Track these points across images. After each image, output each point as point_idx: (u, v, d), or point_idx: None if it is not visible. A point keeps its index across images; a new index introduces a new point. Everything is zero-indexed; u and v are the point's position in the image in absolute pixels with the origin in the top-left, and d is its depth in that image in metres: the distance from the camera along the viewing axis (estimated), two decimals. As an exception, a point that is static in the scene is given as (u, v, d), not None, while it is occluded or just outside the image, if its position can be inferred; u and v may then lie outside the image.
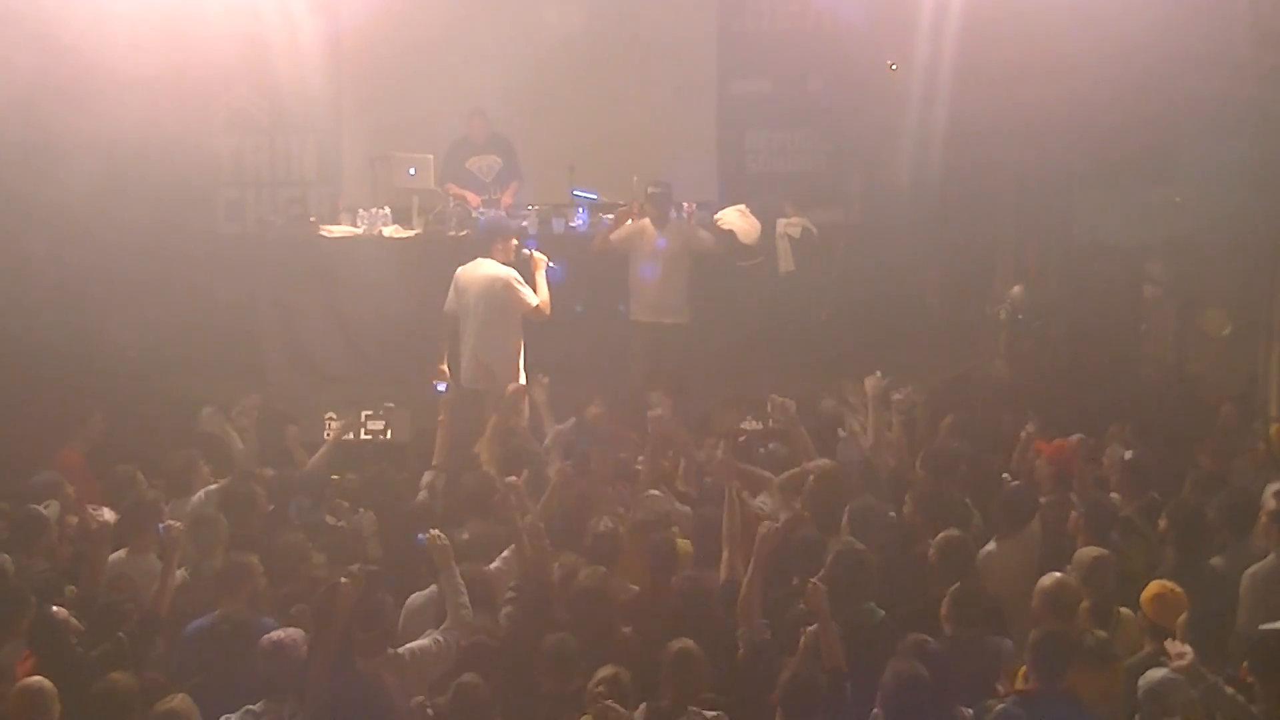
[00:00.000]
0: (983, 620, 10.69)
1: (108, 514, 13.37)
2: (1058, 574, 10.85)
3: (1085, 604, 10.61)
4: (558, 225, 19.25)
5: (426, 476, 14.05)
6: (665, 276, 18.17)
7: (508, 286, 16.40)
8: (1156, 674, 9.37)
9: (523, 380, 16.24)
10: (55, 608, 10.90)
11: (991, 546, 12.09)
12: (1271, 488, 12.87)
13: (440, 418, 14.72)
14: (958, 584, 10.86)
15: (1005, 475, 13.96)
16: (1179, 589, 10.47)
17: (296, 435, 16.17)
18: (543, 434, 15.22)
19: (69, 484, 13.89)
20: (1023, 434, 14.40)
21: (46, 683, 9.64)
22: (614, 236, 18.28)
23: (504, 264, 16.54)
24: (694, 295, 18.91)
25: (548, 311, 16.58)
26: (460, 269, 16.81)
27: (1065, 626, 10.31)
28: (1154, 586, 10.49)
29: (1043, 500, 12.74)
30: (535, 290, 16.51)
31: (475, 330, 16.60)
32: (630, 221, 18.33)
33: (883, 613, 10.91)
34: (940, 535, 11.56)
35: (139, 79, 18.75)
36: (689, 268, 18.25)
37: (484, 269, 16.54)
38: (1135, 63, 17.78)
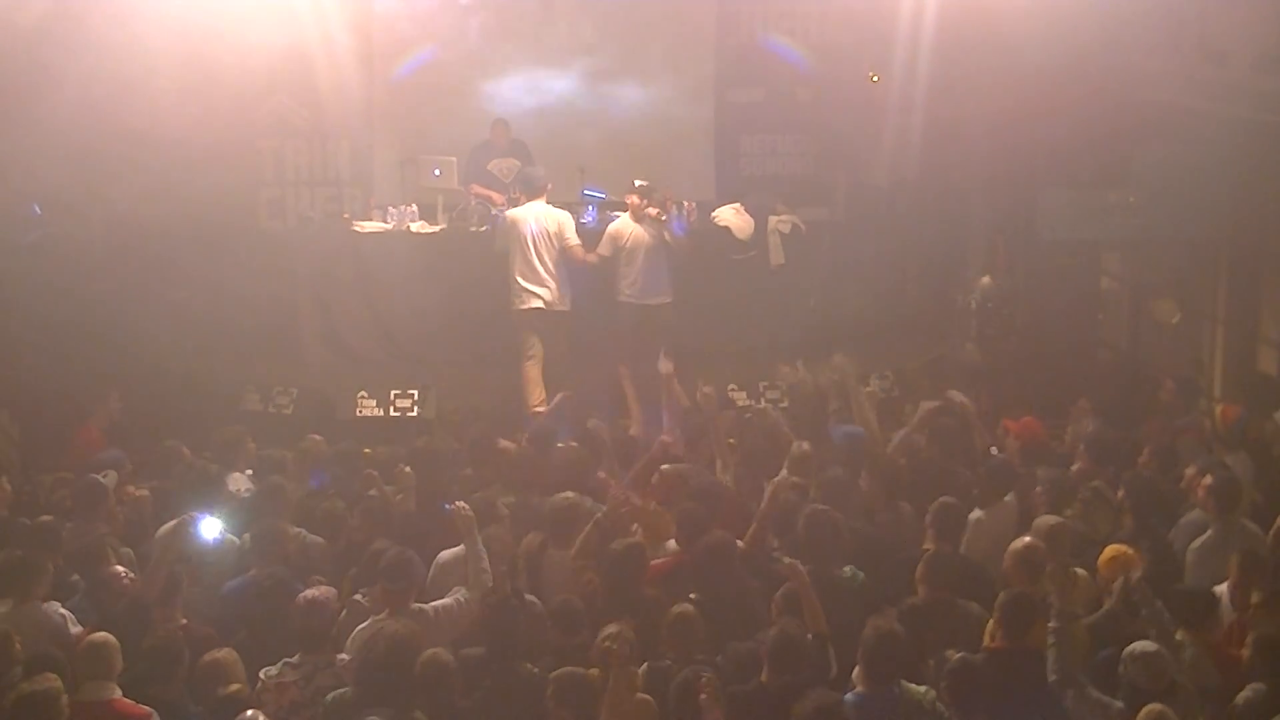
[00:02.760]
0: (955, 584, 10.62)
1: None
2: (1026, 538, 10.90)
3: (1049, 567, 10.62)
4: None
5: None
6: (648, 263, 18.21)
7: (561, 225, 17.81)
8: (1145, 646, 9.30)
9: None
10: (115, 568, 10.99)
11: (978, 514, 12.08)
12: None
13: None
14: (931, 549, 10.91)
15: (993, 449, 13.99)
16: (1132, 551, 10.51)
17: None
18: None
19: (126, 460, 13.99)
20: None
21: (110, 636, 9.64)
22: (601, 251, 18.27)
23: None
24: (690, 284, 18.95)
25: (592, 259, 17.84)
26: (512, 210, 18.15)
27: (1032, 585, 10.33)
28: (1110, 550, 10.52)
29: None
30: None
31: (526, 259, 17.72)
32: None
33: (863, 575, 10.98)
34: (937, 501, 11.59)
35: (189, 86, 18.82)
36: (666, 254, 18.21)
37: (537, 209, 17.82)
38: (1093, 75, 17.83)
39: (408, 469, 13.41)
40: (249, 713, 9.06)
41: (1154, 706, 8.67)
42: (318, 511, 12.51)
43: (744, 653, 9.79)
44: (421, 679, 9.22)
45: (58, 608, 10.61)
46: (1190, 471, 12.44)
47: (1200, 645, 9.85)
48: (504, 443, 14.26)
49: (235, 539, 12.03)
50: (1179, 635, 9.96)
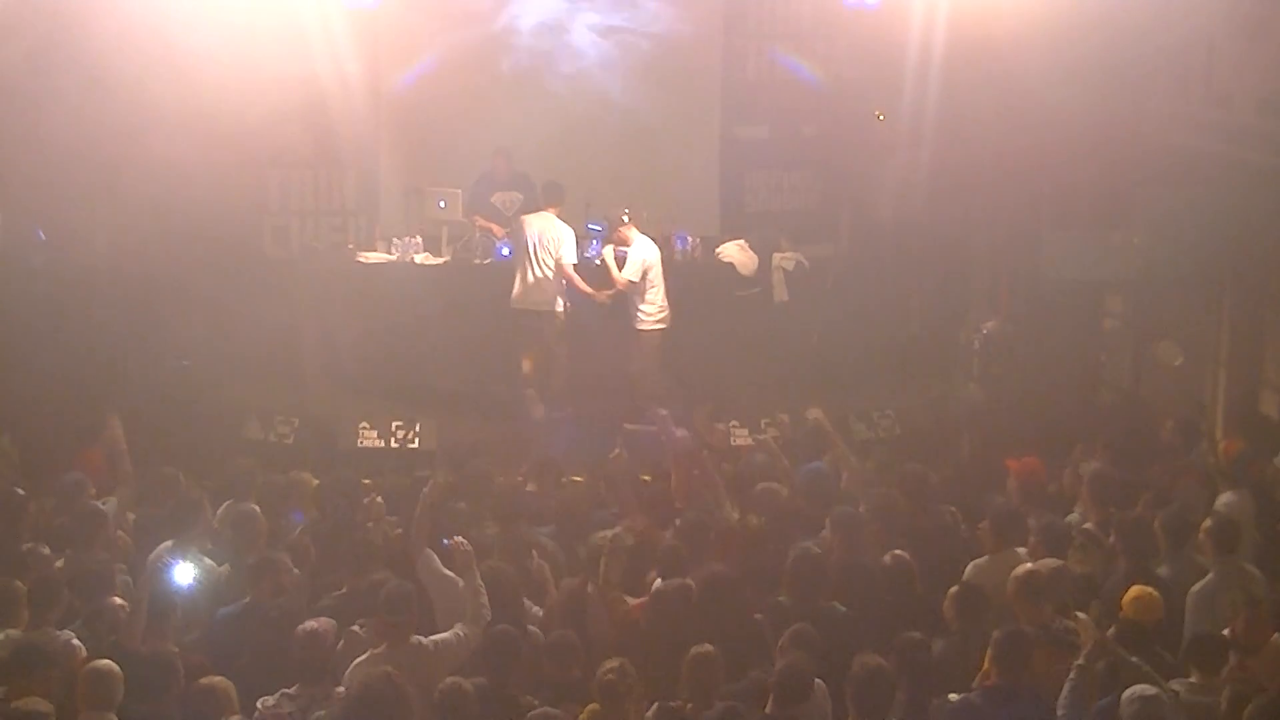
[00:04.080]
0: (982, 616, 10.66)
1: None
2: (1029, 564, 10.98)
3: (1048, 607, 10.63)
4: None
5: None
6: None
7: (561, 239, 18.57)
8: (1144, 690, 9.22)
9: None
10: (114, 599, 11.00)
11: (981, 561, 11.98)
12: (1222, 502, 12.98)
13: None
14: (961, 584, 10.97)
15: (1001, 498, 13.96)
16: (1156, 593, 10.49)
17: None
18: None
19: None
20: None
21: (112, 665, 9.62)
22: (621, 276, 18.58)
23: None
24: (693, 319, 19.10)
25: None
26: (526, 215, 18.88)
27: (1035, 612, 10.44)
28: (1135, 590, 10.46)
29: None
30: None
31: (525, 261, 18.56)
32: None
33: (844, 609, 11.05)
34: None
35: (195, 114, 18.83)
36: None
37: (546, 218, 18.67)
38: (1098, 116, 17.87)
39: (379, 499, 13.52)
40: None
41: None
42: (288, 542, 12.61)
43: (752, 684, 9.85)
44: (440, 707, 9.29)
45: (70, 636, 10.61)
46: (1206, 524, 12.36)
47: (1211, 690, 9.81)
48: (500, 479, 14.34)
49: (216, 567, 12.08)
50: (1192, 678, 9.96)
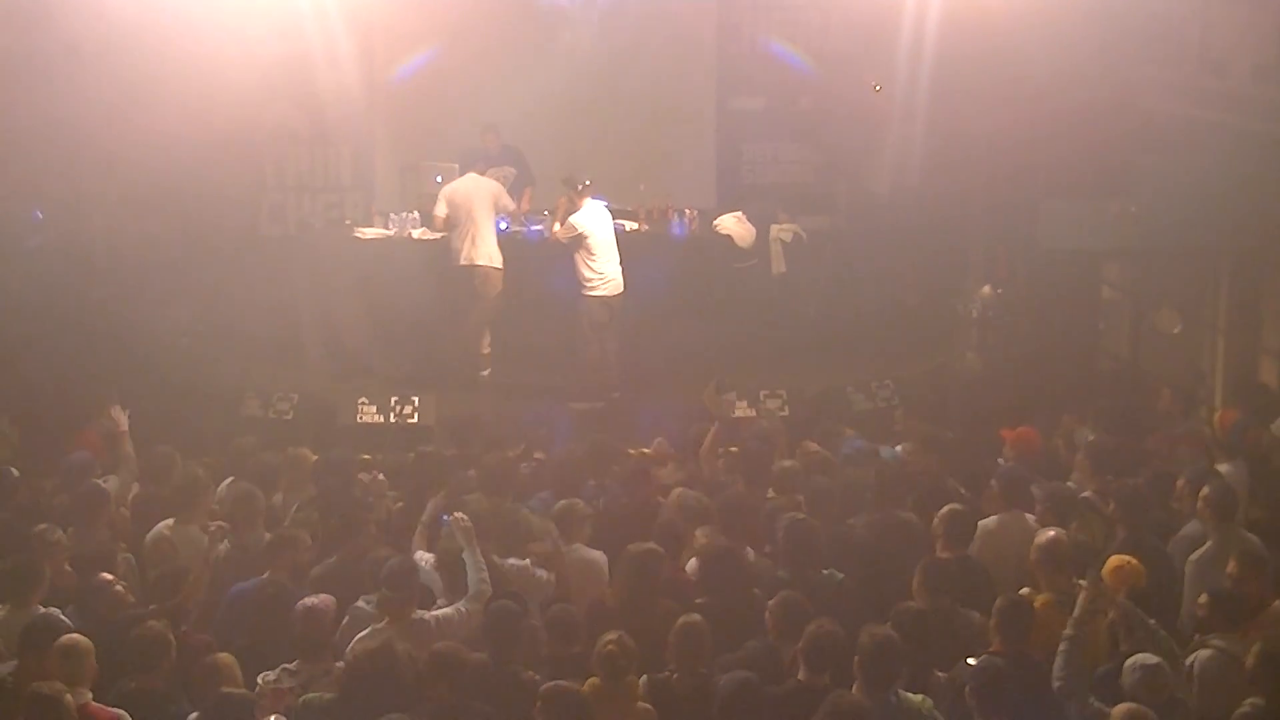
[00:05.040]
0: (952, 592, 10.63)
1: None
2: (1051, 531, 11.02)
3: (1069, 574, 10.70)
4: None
5: None
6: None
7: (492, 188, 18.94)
8: (1146, 659, 9.29)
9: None
10: (104, 574, 11.02)
11: (989, 522, 12.07)
12: (1221, 468, 13.00)
13: None
14: (927, 558, 10.92)
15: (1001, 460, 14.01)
16: (1136, 561, 10.53)
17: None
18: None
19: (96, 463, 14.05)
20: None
21: (83, 639, 9.69)
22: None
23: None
24: (692, 292, 19.24)
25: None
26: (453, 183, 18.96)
27: (1057, 579, 10.54)
28: (1114, 560, 10.51)
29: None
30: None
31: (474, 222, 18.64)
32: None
33: (840, 575, 11.12)
34: (945, 508, 11.62)
35: (190, 92, 18.88)
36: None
37: (472, 179, 18.96)
38: (1093, 85, 17.89)
39: (380, 475, 13.58)
40: None
41: (1132, 707, 8.72)
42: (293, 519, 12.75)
43: (761, 651, 9.90)
44: (430, 667, 9.39)
45: (57, 613, 10.60)
46: (1180, 483, 12.43)
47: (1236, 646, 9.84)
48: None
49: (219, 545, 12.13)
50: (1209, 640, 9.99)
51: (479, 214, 18.55)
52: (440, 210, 18.74)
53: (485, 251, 18.55)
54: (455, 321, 18.97)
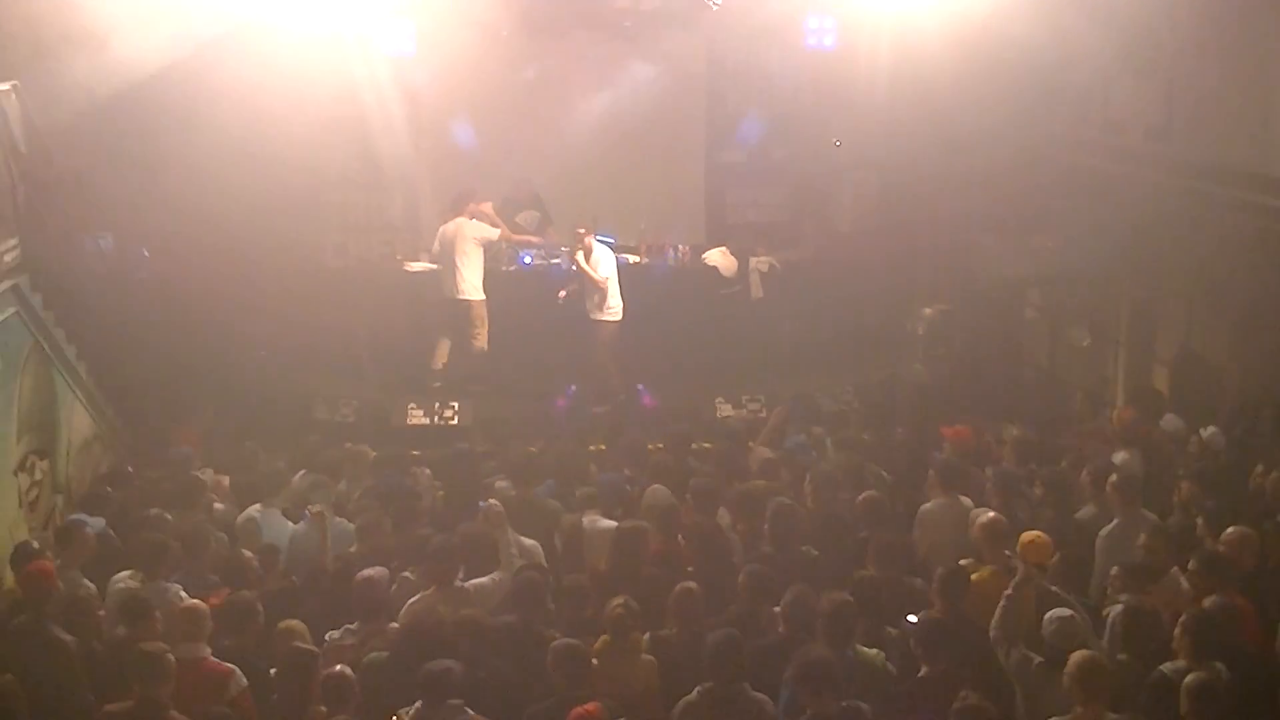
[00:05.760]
0: (899, 564, 10.75)
1: (226, 481, 13.76)
2: (990, 512, 11.14)
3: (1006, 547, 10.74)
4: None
5: None
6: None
7: (477, 230, 18.56)
8: (1061, 612, 9.39)
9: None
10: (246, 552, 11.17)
11: (929, 505, 12.17)
12: (1116, 459, 13.12)
13: None
14: (879, 535, 11.00)
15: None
16: (1046, 536, 10.64)
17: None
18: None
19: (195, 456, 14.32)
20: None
21: (202, 605, 9.84)
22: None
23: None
24: (684, 314, 19.28)
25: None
26: (443, 227, 18.75)
27: (996, 552, 10.61)
28: (1028, 535, 10.59)
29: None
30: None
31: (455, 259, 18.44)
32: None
33: (816, 552, 11.15)
34: (863, 495, 11.82)
35: (269, 150, 18.90)
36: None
37: (459, 224, 18.60)
38: (1017, 141, 18.03)
39: (426, 470, 13.74)
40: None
41: (1083, 652, 8.75)
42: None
43: (745, 615, 9.95)
44: (462, 631, 9.51)
45: (178, 587, 10.74)
46: (1085, 475, 12.56)
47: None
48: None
49: (292, 525, 12.29)
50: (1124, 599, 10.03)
51: (459, 253, 18.39)
52: (435, 246, 18.78)
53: (466, 285, 18.47)
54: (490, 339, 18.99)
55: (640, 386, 18.36)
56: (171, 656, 9.01)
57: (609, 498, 12.28)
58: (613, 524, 11.71)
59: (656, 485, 12.77)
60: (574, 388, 18.70)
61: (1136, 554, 10.70)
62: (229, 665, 9.48)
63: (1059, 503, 12.12)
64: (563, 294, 18.72)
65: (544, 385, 18.81)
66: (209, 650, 9.56)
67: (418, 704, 8.66)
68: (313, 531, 11.70)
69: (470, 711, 8.67)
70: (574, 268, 18.58)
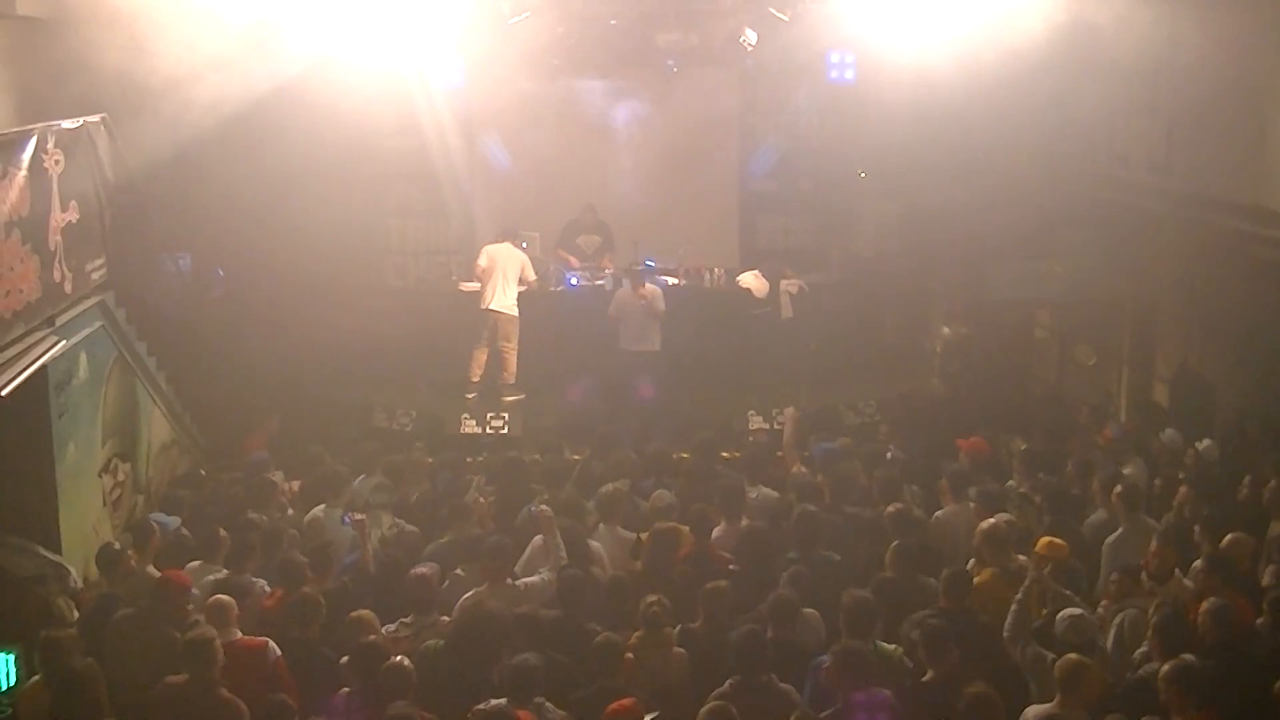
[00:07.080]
0: (916, 566, 10.78)
1: (295, 484, 13.90)
2: (993, 519, 11.13)
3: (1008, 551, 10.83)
4: (626, 281, 19.04)
5: None
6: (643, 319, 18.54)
7: (518, 257, 18.67)
8: (1072, 611, 9.46)
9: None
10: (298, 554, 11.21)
11: (941, 511, 12.27)
12: (1125, 470, 13.12)
13: None
14: (898, 541, 11.02)
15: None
16: (1061, 541, 10.67)
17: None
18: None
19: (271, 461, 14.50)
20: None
21: (227, 598, 9.98)
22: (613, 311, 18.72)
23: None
24: (719, 334, 19.33)
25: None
26: (489, 246, 18.82)
27: (998, 555, 10.67)
28: (1045, 539, 10.60)
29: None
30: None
31: (498, 277, 18.43)
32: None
33: (838, 557, 11.22)
34: (891, 506, 11.77)
35: (336, 178, 19.23)
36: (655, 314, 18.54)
37: (505, 248, 18.65)
38: (1028, 172, 18.05)
39: (480, 477, 13.86)
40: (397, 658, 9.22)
41: (1071, 656, 8.76)
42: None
43: (759, 614, 9.89)
44: (518, 625, 9.63)
45: (262, 582, 10.92)
46: (1095, 484, 12.59)
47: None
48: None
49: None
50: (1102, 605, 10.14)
51: (505, 273, 18.42)
52: (482, 261, 18.67)
53: (503, 302, 18.48)
54: (537, 354, 19.11)
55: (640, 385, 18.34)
56: (219, 642, 9.26)
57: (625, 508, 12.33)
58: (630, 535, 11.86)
59: (661, 490, 12.87)
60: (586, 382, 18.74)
61: (1138, 559, 10.72)
62: (263, 638, 9.73)
63: (1060, 510, 12.15)
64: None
65: (590, 398, 18.76)
66: (239, 632, 9.78)
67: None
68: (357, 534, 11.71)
69: (550, 705, 8.75)
70: (618, 292, 18.81)
